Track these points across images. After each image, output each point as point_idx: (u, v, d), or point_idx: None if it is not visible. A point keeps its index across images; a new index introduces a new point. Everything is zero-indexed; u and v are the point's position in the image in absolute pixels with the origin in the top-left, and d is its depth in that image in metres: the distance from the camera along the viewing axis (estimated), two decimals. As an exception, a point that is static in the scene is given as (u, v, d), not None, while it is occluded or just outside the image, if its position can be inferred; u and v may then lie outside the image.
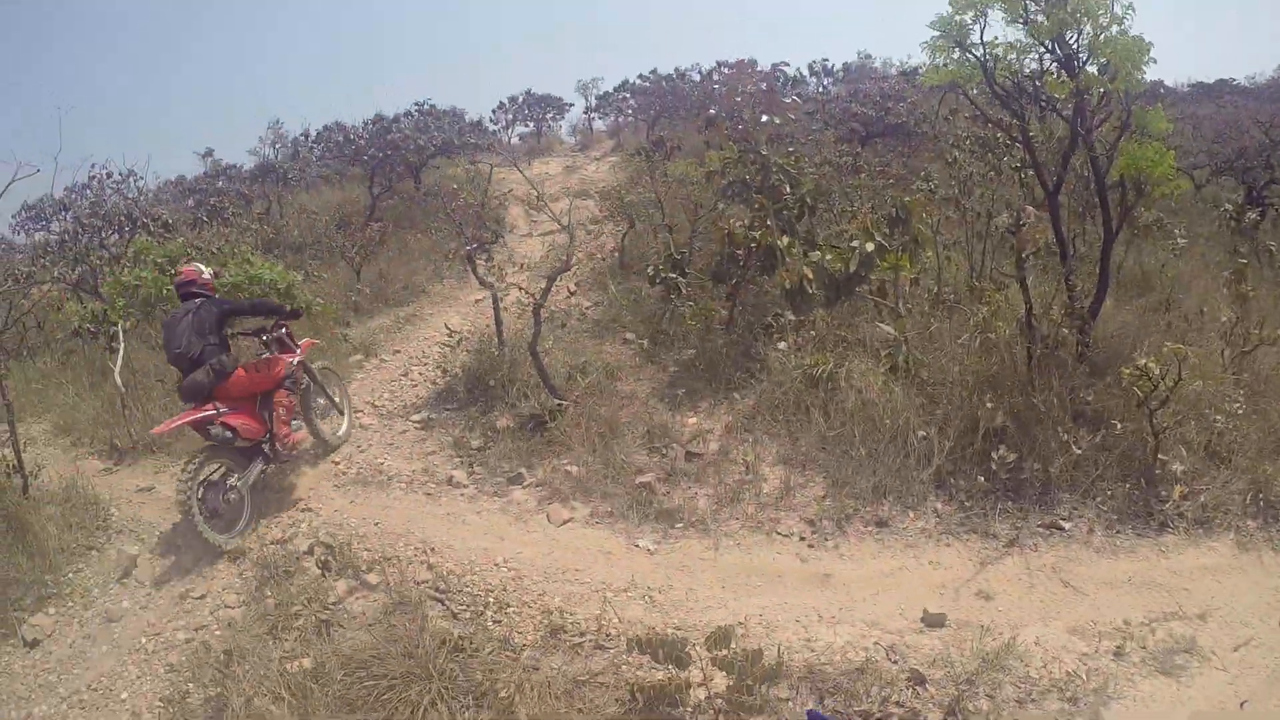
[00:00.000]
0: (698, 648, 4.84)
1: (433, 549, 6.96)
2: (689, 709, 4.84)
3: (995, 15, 7.60)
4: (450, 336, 10.86)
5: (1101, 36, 7.32)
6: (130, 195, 17.65)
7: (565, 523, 7.30)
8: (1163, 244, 10.84)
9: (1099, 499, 6.78)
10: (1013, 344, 7.85)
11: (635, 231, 13.86)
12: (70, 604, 6.81)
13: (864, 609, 5.90)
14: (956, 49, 7.76)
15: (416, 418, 9.53)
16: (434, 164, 21.08)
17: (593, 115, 29.96)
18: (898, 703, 4.92)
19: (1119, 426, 6.97)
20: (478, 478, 8.19)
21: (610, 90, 29.14)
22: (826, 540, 6.72)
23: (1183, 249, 10.89)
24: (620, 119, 29.07)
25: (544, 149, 28.18)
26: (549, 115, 29.66)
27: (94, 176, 17.56)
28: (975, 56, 7.71)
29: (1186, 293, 9.99)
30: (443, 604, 6.19)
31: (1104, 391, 7.42)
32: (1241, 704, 4.79)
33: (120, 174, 17.79)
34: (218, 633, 6.25)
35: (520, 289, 10.28)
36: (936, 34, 7.75)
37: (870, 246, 8.80)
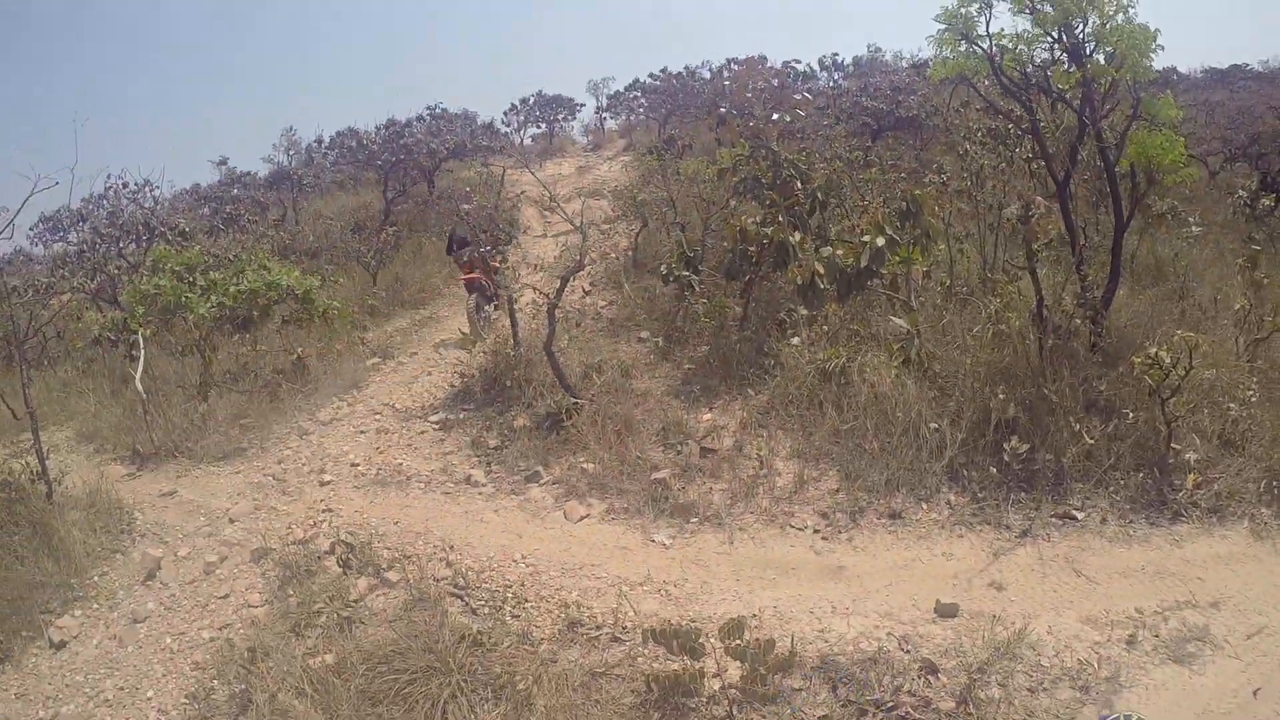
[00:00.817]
0: (712, 639, 4.89)
1: (452, 546, 7.04)
2: (704, 699, 4.90)
3: (1001, 7, 7.63)
4: (463, 340, 10.92)
5: (1107, 25, 7.33)
6: (147, 205, 17.84)
7: (582, 519, 7.36)
8: (1176, 232, 10.80)
9: (1112, 488, 6.75)
10: (1024, 335, 7.83)
11: (648, 230, 13.93)
12: (96, 606, 6.95)
13: (877, 600, 5.93)
14: (963, 41, 7.77)
15: (434, 418, 9.61)
16: (447, 167, 21.18)
17: (604, 115, 30.13)
18: (910, 692, 4.94)
19: (1131, 416, 6.96)
20: (495, 476, 8.27)
21: (621, 90, 29.31)
22: (840, 533, 6.75)
23: (1196, 237, 10.83)
24: (632, 118, 29.18)
25: (556, 149, 28.28)
26: (560, 116, 29.81)
27: (110, 187, 17.77)
28: (981, 49, 7.71)
29: (1200, 281, 9.92)
30: (462, 600, 6.27)
31: (1116, 381, 7.39)
32: (1255, 692, 4.79)
33: (136, 184, 18.00)
34: (242, 631, 6.37)
35: (535, 290, 10.34)
36: (942, 27, 7.77)
37: (881, 241, 8.80)
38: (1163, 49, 7.18)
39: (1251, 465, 6.73)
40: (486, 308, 12.73)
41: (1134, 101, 7.63)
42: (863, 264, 8.84)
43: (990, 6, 7.61)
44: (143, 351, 10.19)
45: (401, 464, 8.73)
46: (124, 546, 7.71)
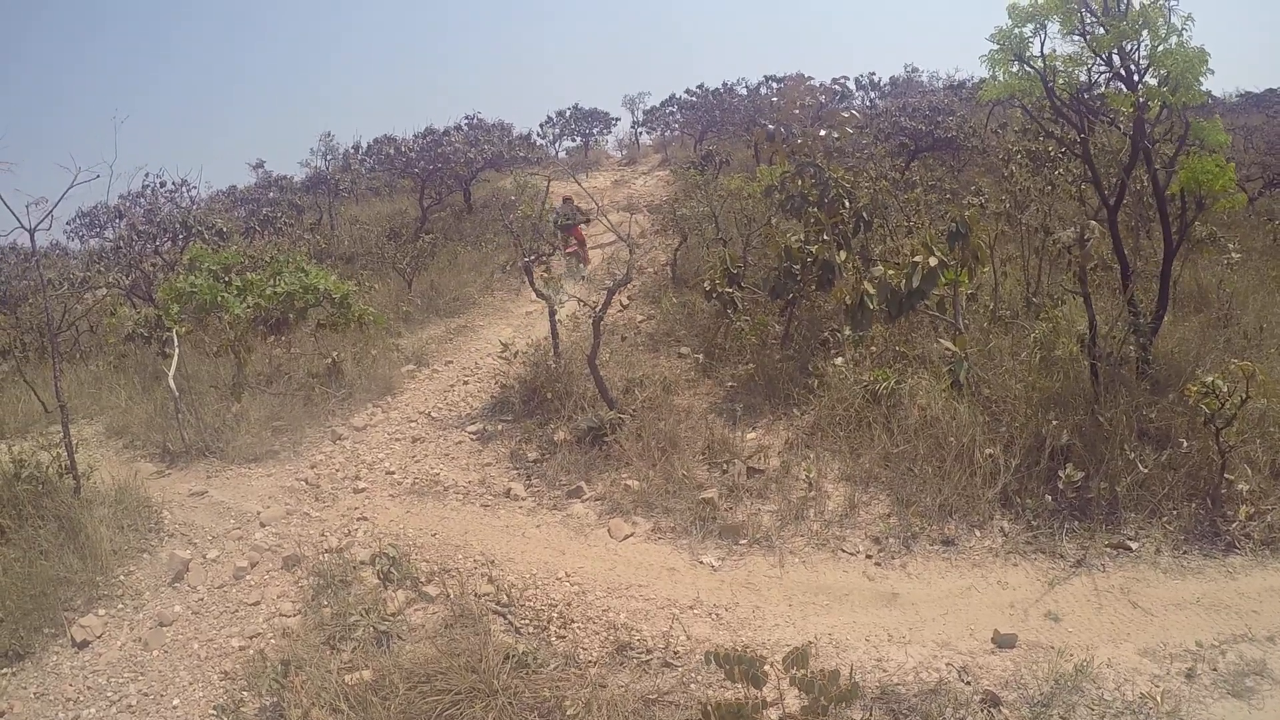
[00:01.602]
0: (774, 666, 4.70)
1: (493, 562, 6.88)
2: (763, 730, 4.70)
3: (1052, 29, 7.56)
4: (505, 351, 10.78)
5: (1160, 48, 7.22)
6: (184, 204, 17.88)
7: (627, 537, 7.19)
8: (1217, 258, 10.65)
9: (1165, 519, 6.61)
10: (1075, 361, 7.69)
11: (687, 245, 13.81)
12: (121, 606, 6.76)
13: (933, 629, 5.77)
14: (1016, 62, 7.68)
15: (472, 428, 9.47)
16: (483, 177, 21.14)
17: (639, 130, 30.11)
18: (974, 725, 4.77)
19: (1185, 445, 6.80)
20: (536, 490, 8.11)
21: (657, 105, 29.28)
22: (893, 559, 6.59)
23: (1237, 263, 10.69)
24: (667, 133, 29.15)
25: (591, 163, 28.33)
26: (596, 130, 29.82)
27: (148, 185, 17.83)
28: (1034, 69, 7.61)
29: (1243, 308, 9.79)
30: (504, 618, 6.10)
31: (1167, 409, 7.25)
32: None
33: (174, 183, 18.05)
34: (273, 641, 6.18)
35: (579, 301, 10.22)
36: (995, 47, 7.68)
37: (934, 262, 8.65)
38: (1212, 72, 7.11)
39: (1303, 497, 6.57)
40: (580, 265, 15.73)
41: (1184, 126, 7.49)
42: (914, 285, 8.67)
43: (1044, 28, 7.53)
44: (176, 349, 10.09)
45: (438, 474, 8.58)
46: (151, 546, 7.53)
